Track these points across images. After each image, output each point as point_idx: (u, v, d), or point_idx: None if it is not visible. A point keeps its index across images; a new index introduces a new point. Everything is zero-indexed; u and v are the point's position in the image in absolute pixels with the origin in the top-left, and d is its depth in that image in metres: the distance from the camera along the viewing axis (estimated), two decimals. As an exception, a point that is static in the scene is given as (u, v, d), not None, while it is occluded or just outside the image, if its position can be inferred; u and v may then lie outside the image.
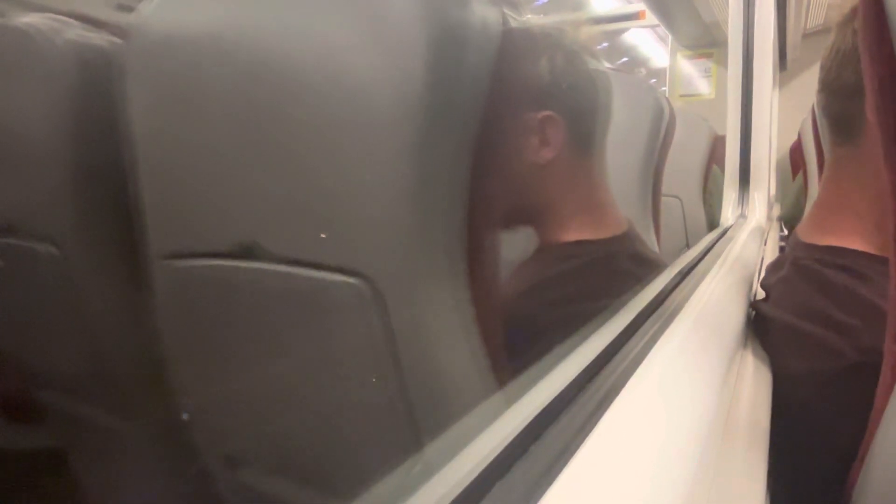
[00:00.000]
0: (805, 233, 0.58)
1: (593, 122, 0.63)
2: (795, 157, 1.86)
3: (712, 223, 1.57)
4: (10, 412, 0.62)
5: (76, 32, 0.52)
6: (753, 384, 0.45)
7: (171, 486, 0.56)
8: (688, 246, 1.65)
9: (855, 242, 0.52)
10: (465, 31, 0.36)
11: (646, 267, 0.62)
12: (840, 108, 0.53)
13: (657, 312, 0.41)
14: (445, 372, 0.38)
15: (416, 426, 0.37)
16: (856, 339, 0.44)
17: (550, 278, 0.60)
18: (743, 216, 1.21)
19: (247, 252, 0.40)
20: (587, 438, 0.21)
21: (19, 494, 0.58)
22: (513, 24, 0.40)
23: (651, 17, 2.64)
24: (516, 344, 0.42)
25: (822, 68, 0.54)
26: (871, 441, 0.33)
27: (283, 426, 0.44)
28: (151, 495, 0.57)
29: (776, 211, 1.67)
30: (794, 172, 1.85)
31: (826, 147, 0.58)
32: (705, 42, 2.85)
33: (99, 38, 0.52)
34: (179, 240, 0.45)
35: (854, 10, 0.52)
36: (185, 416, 0.47)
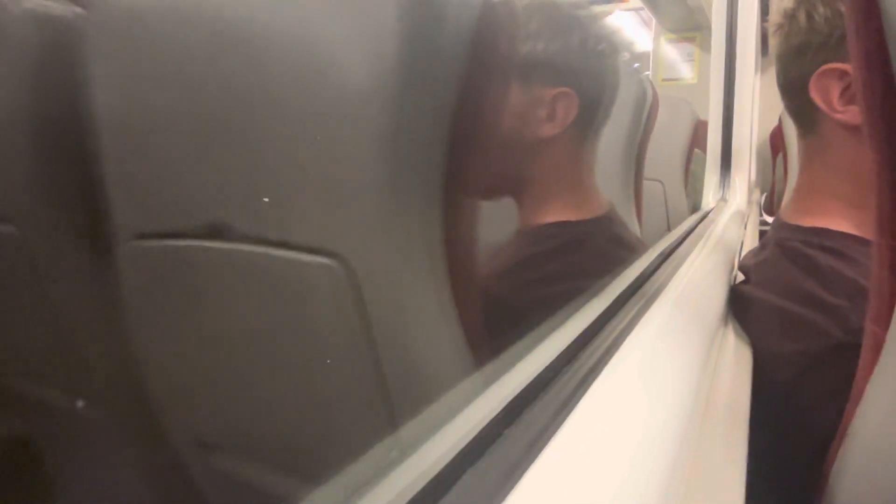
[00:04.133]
0: (789, 215, 0.58)
1: (597, 106, 0.63)
2: (776, 141, 1.87)
3: (696, 207, 1.57)
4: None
5: (36, 2, 0.49)
6: (734, 365, 0.45)
7: (142, 472, 0.55)
8: (669, 229, 1.65)
9: (838, 223, 0.52)
10: (442, 3, 0.35)
11: (625, 249, 0.61)
12: (794, 105, 0.56)
13: (638, 294, 0.40)
14: (422, 353, 0.37)
15: (391, 409, 0.36)
16: (843, 319, 0.44)
17: (528, 259, 0.60)
18: (724, 199, 1.22)
19: (216, 232, 0.39)
20: (565, 422, 0.20)
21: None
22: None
23: (635, 0, 2.62)
24: (494, 325, 0.41)
25: (776, 75, 0.58)
26: (851, 422, 0.33)
27: (255, 410, 0.43)
28: (121, 482, 0.55)
29: (756, 195, 1.68)
30: (774, 155, 1.87)
31: (797, 140, 0.60)
32: (689, 26, 2.84)
33: (60, 8, 0.50)
34: (145, 219, 0.43)
35: (780, 20, 0.55)
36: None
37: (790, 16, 0.53)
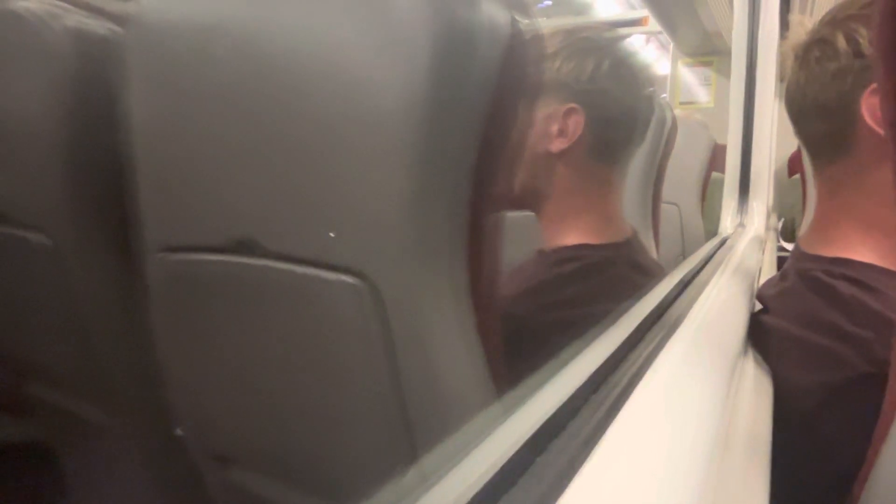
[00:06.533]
0: (809, 244, 0.57)
1: (604, 123, 0.63)
2: (794, 166, 1.86)
3: (713, 231, 1.57)
4: (-3, 404, 0.61)
5: (75, 19, 0.51)
6: (754, 396, 0.44)
7: (160, 483, 0.55)
8: (683, 254, 1.64)
9: (861, 253, 0.52)
10: (472, 31, 0.36)
11: (646, 276, 0.61)
12: (827, 128, 0.55)
13: (660, 322, 0.40)
14: (443, 375, 0.37)
15: (411, 430, 0.37)
16: (867, 349, 0.44)
17: (548, 281, 0.60)
18: (742, 225, 1.21)
19: (243, 247, 0.40)
20: (594, 451, 0.20)
21: (3, 487, 0.57)
22: (522, 26, 0.39)
23: (654, 24, 2.64)
24: (513, 347, 0.42)
25: (792, 103, 0.57)
26: (876, 457, 0.33)
27: (275, 426, 0.43)
28: (137, 492, 0.56)
29: (774, 221, 1.67)
30: (791, 175, 1.85)
31: (814, 170, 0.59)
32: (706, 50, 2.86)
33: (98, 26, 0.51)
34: (175, 233, 0.44)
35: (807, 46, 0.54)
36: (178, 432, 0.46)
37: (823, 41, 0.53)
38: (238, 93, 0.39)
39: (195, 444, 0.49)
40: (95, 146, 0.49)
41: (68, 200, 0.51)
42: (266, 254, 0.39)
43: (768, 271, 1.02)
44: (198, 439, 0.49)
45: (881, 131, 0.49)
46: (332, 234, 0.36)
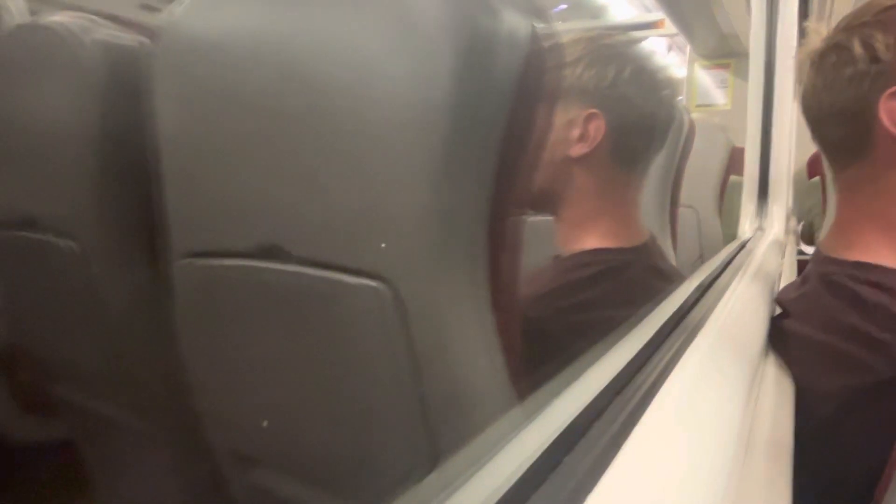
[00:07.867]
0: (829, 248, 0.57)
1: (624, 128, 0.64)
2: (814, 167, 1.84)
3: (732, 235, 1.56)
4: (26, 404, 0.63)
5: (106, 32, 0.52)
6: (775, 400, 0.44)
7: (183, 484, 0.56)
8: (702, 258, 1.63)
9: (883, 256, 0.52)
10: (493, 40, 0.36)
11: (663, 281, 0.62)
12: (844, 132, 0.55)
13: (681, 326, 0.40)
14: (464, 379, 0.38)
15: (434, 431, 0.37)
16: (890, 354, 0.44)
17: (566, 285, 0.60)
18: (761, 229, 1.20)
19: (267, 253, 0.41)
20: (620, 452, 0.21)
21: (30, 486, 0.59)
22: (541, 33, 0.40)
23: (670, 26, 2.63)
24: (532, 350, 0.42)
25: (809, 109, 0.58)
26: (899, 462, 0.33)
27: (298, 428, 0.44)
28: (163, 493, 0.57)
29: (793, 224, 1.66)
30: (811, 177, 1.83)
31: (833, 174, 0.59)
32: (723, 52, 2.84)
33: (128, 39, 0.53)
34: (201, 239, 0.45)
35: (823, 52, 0.54)
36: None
37: (839, 46, 0.53)
38: (264, 101, 0.40)
39: (219, 445, 0.50)
40: (123, 154, 0.51)
41: (97, 207, 0.52)
42: (290, 259, 0.40)
43: (788, 275, 1.02)
44: (222, 440, 0.50)
45: None
46: (383, 245, 0.36)
